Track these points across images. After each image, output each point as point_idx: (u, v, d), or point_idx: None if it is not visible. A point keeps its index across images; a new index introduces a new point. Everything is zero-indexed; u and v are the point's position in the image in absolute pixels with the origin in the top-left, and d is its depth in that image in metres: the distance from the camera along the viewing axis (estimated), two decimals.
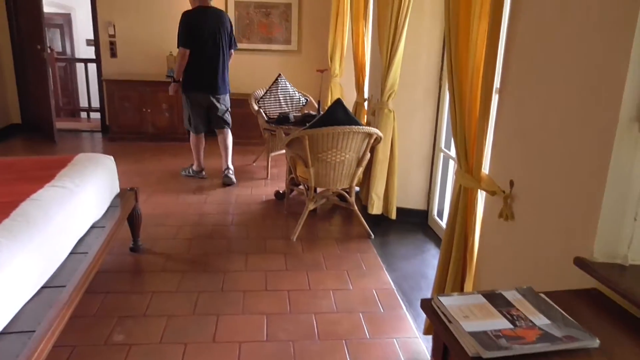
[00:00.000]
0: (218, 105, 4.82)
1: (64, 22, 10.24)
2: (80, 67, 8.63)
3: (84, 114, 8.61)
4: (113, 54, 6.60)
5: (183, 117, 5.02)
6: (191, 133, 4.95)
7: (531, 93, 1.84)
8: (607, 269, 1.42)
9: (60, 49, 10.19)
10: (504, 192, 2.01)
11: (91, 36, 6.78)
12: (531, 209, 1.84)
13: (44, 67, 6.02)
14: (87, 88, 7.85)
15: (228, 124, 4.98)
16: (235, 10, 6.54)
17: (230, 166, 5.02)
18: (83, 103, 8.69)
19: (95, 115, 7.71)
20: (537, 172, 1.80)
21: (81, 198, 2.52)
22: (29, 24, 6.04)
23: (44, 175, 2.62)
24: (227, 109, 4.96)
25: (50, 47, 5.99)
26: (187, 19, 4.62)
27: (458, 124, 2.23)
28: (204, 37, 4.62)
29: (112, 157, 3.19)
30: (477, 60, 2.10)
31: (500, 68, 2.08)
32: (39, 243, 2.00)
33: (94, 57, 6.84)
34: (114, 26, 6.49)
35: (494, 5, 1.91)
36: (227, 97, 4.95)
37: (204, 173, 5.12)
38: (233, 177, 4.98)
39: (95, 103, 7.35)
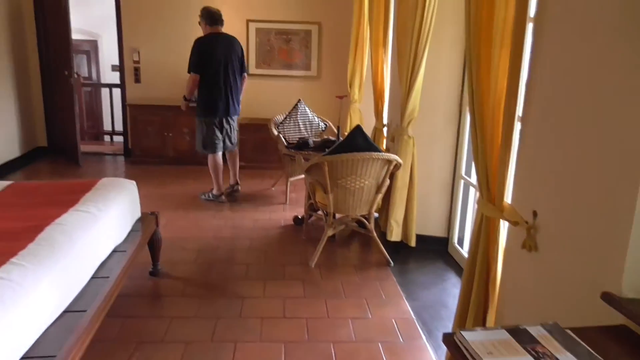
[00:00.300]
0: (229, 127, 5.07)
1: (91, 48, 10.54)
2: (105, 91, 8.84)
3: (107, 137, 8.77)
4: (137, 80, 6.76)
5: (196, 142, 5.14)
6: (209, 156, 5.05)
7: (555, 122, 1.83)
8: (636, 304, 1.38)
9: (86, 74, 10.47)
10: (527, 222, 1.98)
11: (116, 62, 6.97)
12: (556, 241, 1.81)
13: (70, 92, 6.18)
14: (112, 112, 8.03)
15: (236, 144, 5.27)
16: (256, 36, 6.67)
17: (239, 181, 5.39)
18: (107, 126, 8.86)
19: (118, 139, 7.86)
20: (561, 203, 1.77)
21: (104, 222, 2.55)
22: (58, 51, 6.23)
23: (69, 200, 2.66)
24: (237, 130, 5.24)
25: (77, 73, 6.16)
26: (200, 46, 4.78)
27: (480, 152, 2.22)
28: (216, 63, 4.79)
29: (134, 182, 3.24)
30: (499, 89, 2.10)
31: (522, 97, 2.07)
32: (63, 267, 2.02)
33: (118, 82, 7.00)
34: (138, 52, 6.65)
35: (515, 34, 1.92)
36: (237, 119, 5.19)
37: (223, 197, 5.19)
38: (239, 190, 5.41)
39: (119, 127, 7.50)
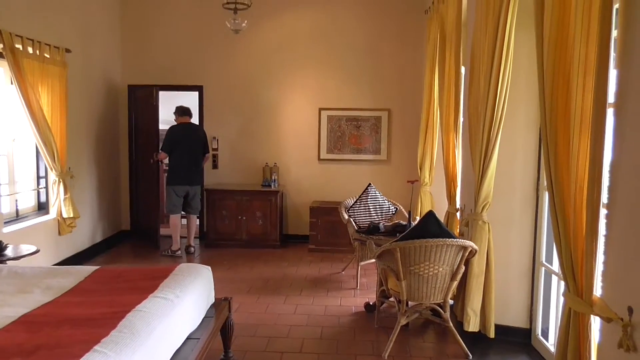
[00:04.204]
0: (192, 194, 6.38)
1: None
2: None
3: (184, 221, 9.13)
4: (215, 166, 7.14)
5: (166, 204, 6.47)
6: (171, 217, 6.40)
7: None
8: None
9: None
10: (621, 319, 1.82)
11: None
12: None
13: (154, 179, 6.62)
14: None
15: (199, 210, 6.58)
16: (328, 123, 6.93)
17: (193, 243, 6.55)
18: None
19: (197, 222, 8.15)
20: None
21: (180, 309, 2.61)
22: (146, 141, 6.74)
23: (148, 286, 2.76)
24: (200, 197, 6.52)
25: (160, 160, 6.61)
26: (172, 132, 6.35)
27: (562, 242, 2.11)
28: (183, 145, 6.28)
29: (209, 268, 3.32)
30: (580, 175, 2.03)
31: (608, 182, 1.98)
32: (140, 356, 2.06)
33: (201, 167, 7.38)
34: (217, 140, 7.07)
35: (595, 121, 1.87)
36: (199, 188, 6.52)
37: (179, 252, 6.34)
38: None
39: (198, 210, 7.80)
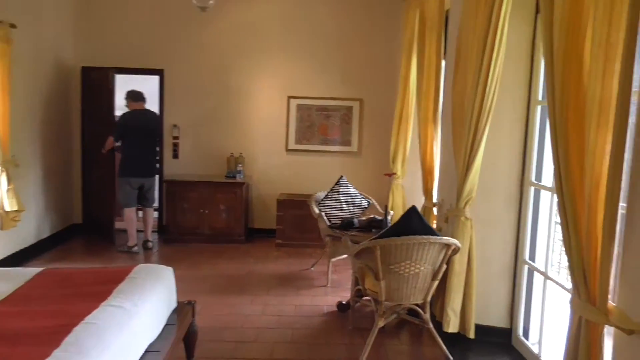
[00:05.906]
0: (149, 184, 6.04)
1: None
2: None
3: (141, 213, 8.66)
4: (175, 155, 6.72)
5: (120, 197, 6.02)
6: (126, 210, 5.94)
7: None
8: None
9: None
10: None
11: None
12: None
13: (110, 169, 6.17)
14: None
15: (153, 202, 6.23)
16: (297, 112, 6.62)
17: (150, 238, 6.16)
18: None
19: (154, 215, 7.71)
20: None
21: (138, 319, 2.28)
22: (100, 127, 6.25)
23: (100, 291, 2.42)
24: (154, 190, 6.20)
25: (115, 149, 6.15)
26: (124, 119, 5.92)
27: (573, 247, 1.91)
28: (137, 133, 5.86)
29: (171, 269, 2.99)
30: (596, 172, 1.81)
31: (628, 179, 1.78)
32: None
33: (157, 157, 6.95)
34: (178, 128, 6.66)
35: (619, 111, 1.65)
36: (155, 179, 6.20)
37: (136, 248, 5.93)
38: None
39: (155, 202, 7.37)
